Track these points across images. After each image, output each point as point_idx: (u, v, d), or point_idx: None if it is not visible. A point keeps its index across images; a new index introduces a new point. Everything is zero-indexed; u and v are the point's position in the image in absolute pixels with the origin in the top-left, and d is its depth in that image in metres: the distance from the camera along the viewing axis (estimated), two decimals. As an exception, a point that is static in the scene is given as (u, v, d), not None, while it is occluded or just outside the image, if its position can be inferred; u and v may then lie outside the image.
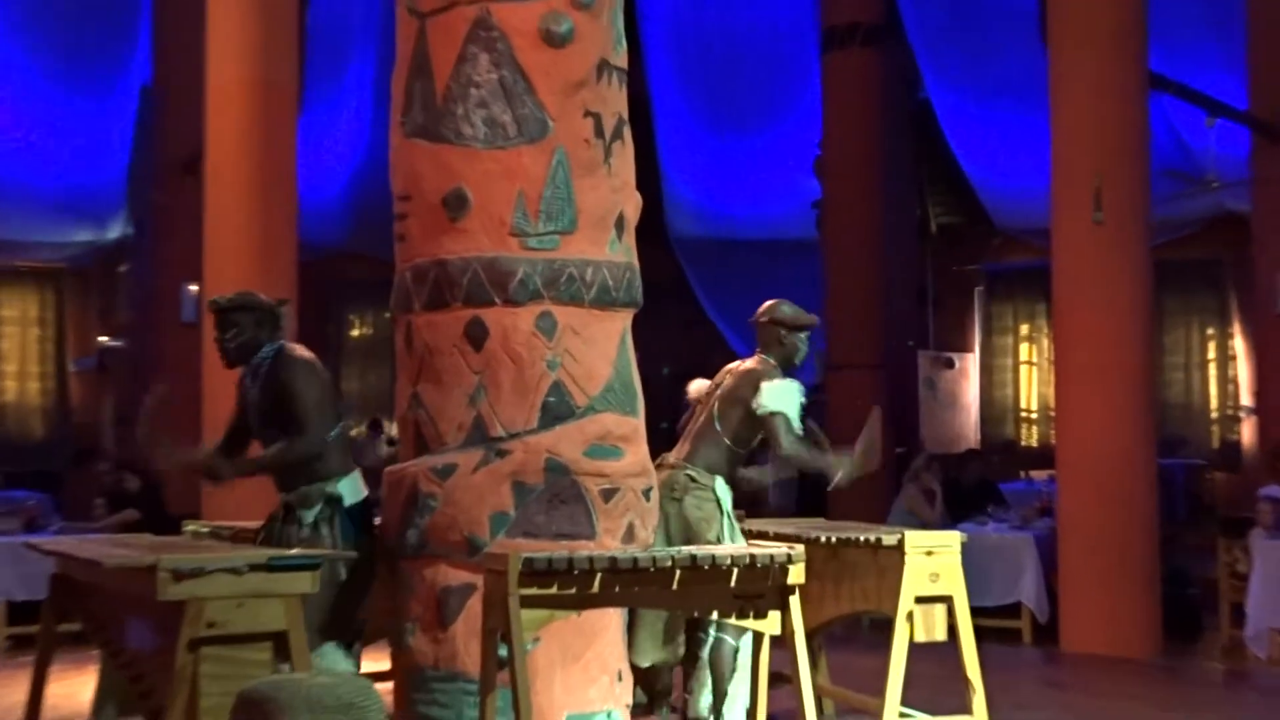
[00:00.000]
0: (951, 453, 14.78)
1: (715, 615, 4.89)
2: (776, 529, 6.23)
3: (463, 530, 5.03)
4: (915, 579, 5.54)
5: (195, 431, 9.71)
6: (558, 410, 5.08)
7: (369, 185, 15.27)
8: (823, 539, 5.95)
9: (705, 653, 6.09)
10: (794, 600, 4.73)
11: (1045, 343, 16.79)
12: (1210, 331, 16.44)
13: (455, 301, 5.10)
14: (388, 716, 3.64)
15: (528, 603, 4.40)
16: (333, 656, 5.15)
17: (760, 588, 4.70)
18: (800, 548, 4.77)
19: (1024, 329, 17.58)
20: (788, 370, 6.23)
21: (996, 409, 17.58)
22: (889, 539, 5.64)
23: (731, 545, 5.73)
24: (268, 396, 5.39)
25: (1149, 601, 9.15)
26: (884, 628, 5.74)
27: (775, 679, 5.43)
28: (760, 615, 4.74)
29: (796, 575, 4.72)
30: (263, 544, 5.28)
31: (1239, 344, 15.88)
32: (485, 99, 5.09)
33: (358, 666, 5.32)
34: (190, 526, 6.65)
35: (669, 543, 5.87)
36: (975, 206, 16.67)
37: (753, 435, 6.13)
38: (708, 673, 6.11)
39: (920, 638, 5.56)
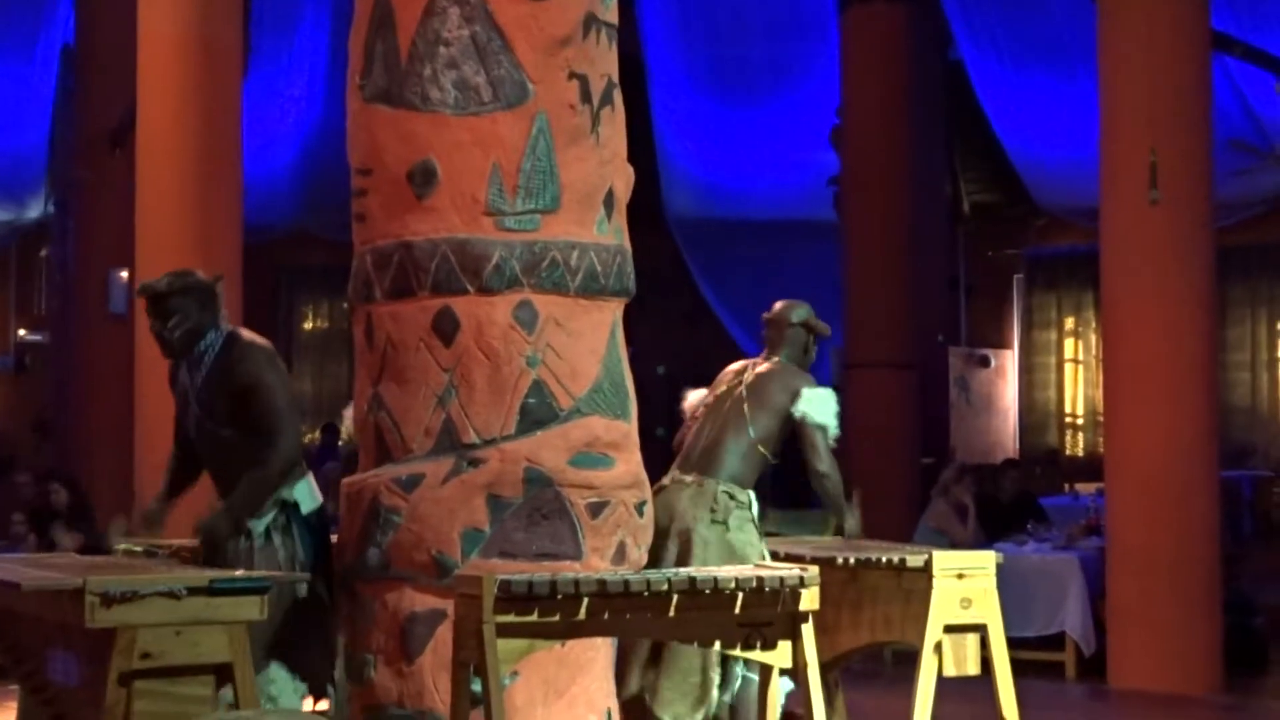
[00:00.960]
0: (987, 463, 14.79)
1: (718, 646, 4.91)
2: (788, 548, 6.26)
3: (430, 549, 5.04)
4: (944, 605, 5.57)
5: (126, 440, 9.73)
6: (538, 413, 5.09)
7: (323, 157, 15.28)
8: (840, 560, 5.97)
9: (728, 697, 6.08)
10: (807, 629, 4.75)
11: (1093, 338, 16.81)
12: (1280, 326, 16.49)
13: (422, 290, 5.11)
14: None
15: (505, 631, 4.42)
16: (280, 679, 5.14)
17: (769, 615, 4.73)
18: (814, 569, 4.79)
19: (1069, 323, 17.60)
20: None
21: (1038, 414, 17.60)
22: (915, 560, 5.66)
23: (736, 567, 5.74)
24: (219, 393, 5.32)
25: (1209, 632, 9.17)
26: (909, 661, 5.76)
27: (785, 719, 5.45)
28: (769, 646, 4.76)
29: (810, 601, 4.74)
30: (205, 563, 5.27)
31: (1313, 340, 15.93)
32: (456, 58, 5.10)
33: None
34: (122, 544, 6.65)
35: None
36: (1014, 183, 16.68)
37: (782, 445, 6.23)
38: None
39: (950, 672, 5.59)
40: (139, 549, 6.36)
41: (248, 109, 10.83)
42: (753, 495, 6.19)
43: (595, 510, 5.11)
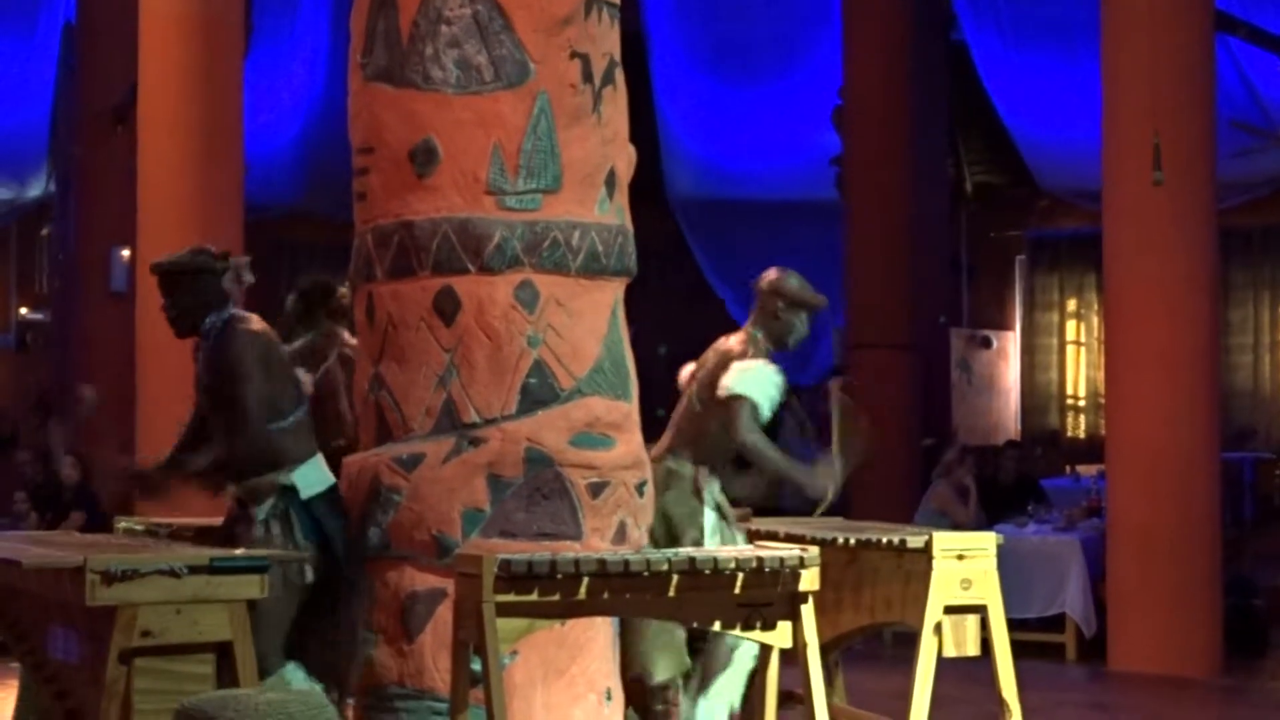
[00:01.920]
0: (988, 444, 14.81)
1: (718, 626, 4.91)
2: (788, 529, 6.26)
3: (431, 529, 5.05)
4: (945, 586, 5.57)
5: (129, 417, 9.74)
6: (539, 393, 5.10)
7: (325, 135, 15.24)
8: (840, 540, 5.97)
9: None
10: (807, 609, 4.75)
11: (1095, 320, 16.81)
12: (1283, 308, 16.47)
13: (423, 269, 5.11)
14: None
15: (504, 611, 4.42)
16: (297, 680, 5.11)
17: (769, 595, 4.73)
18: (814, 550, 4.79)
19: (1071, 304, 17.60)
20: (779, 349, 6.20)
21: (1039, 395, 17.61)
22: (915, 541, 5.67)
23: (736, 547, 5.75)
24: (211, 374, 5.35)
25: (1209, 614, 9.19)
26: (909, 642, 5.77)
27: (785, 699, 5.45)
28: (769, 626, 4.76)
29: (810, 581, 4.74)
30: (219, 545, 5.26)
31: (1315, 322, 15.93)
32: (457, 37, 5.10)
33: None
34: (123, 523, 6.67)
35: (653, 545, 5.89)
36: (1017, 164, 16.67)
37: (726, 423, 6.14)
38: (698, 670, 6.10)
39: (950, 653, 5.60)
40: (140, 528, 6.39)
41: (249, 87, 10.82)
42: (704, 470, 6.10)
43: (596, 490, 5.12)
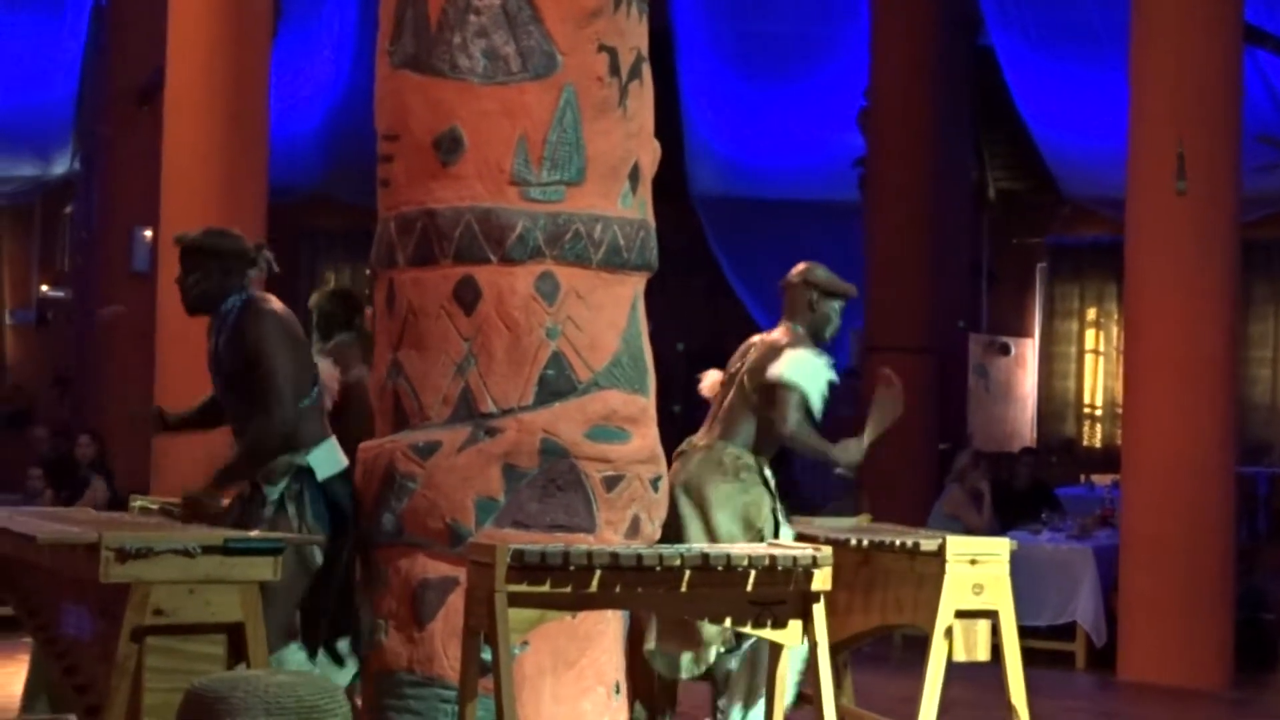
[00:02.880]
0: (1003, 451, 14.77)
1: (729, 623, 4.91)
2: (801, 529, 6.27)
3: (444, 517, 5.06)
4: (956, 590, 5.56)
5: (146, 397, 9.76)
6: (557, 385, 5.11)
7: (349, 121, 15.23)
8: (853, 542, 5.97)
9: (743, 651, 6.06)
10: (818, 609, 4.75)
11: (1115, 329, 16.76)
12: (1303, 322, 16.42)
13: (444, 257, 5.12)
14: (354, 722, 3.68)
15: (516, 601, 4.43)
16: (296, 662, 5.13)
17: (780, 593, 4.73)
18: (827, 550, 4.79)
19: (1091, 313, 17.55)
20: (817, 343, 6.23)
21: (1056, 403, 17.57)
22: (928, 544, 5.66)
23: (749, 545, 5.75)
24: (233, 355, 5.32)
25: (1220, 626, 9.17)
26: (919, 645, 5.77)
27: (795, 699, 5.46)
28: (779, 625, 4.77)
29: (822, 581, 4.74)
30: (231, 526, 5.27)
31: (1336, 338, 15.87)
32: (485, 27, 5.10)
33: (349, 671, 5.30)
34: (138, 502, 6.70)
35: (717, 529, 5.90)
36: (1040, 171, 16.63)
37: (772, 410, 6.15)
38: (745, 678, 6.09)
39: (960, 657, 5.59)
40: (155, 506, 6.41)
41: (275, 70, 10.84)
42: (763, 460, 6.15)
43: (610, 484, 5.12)
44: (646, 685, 6.17)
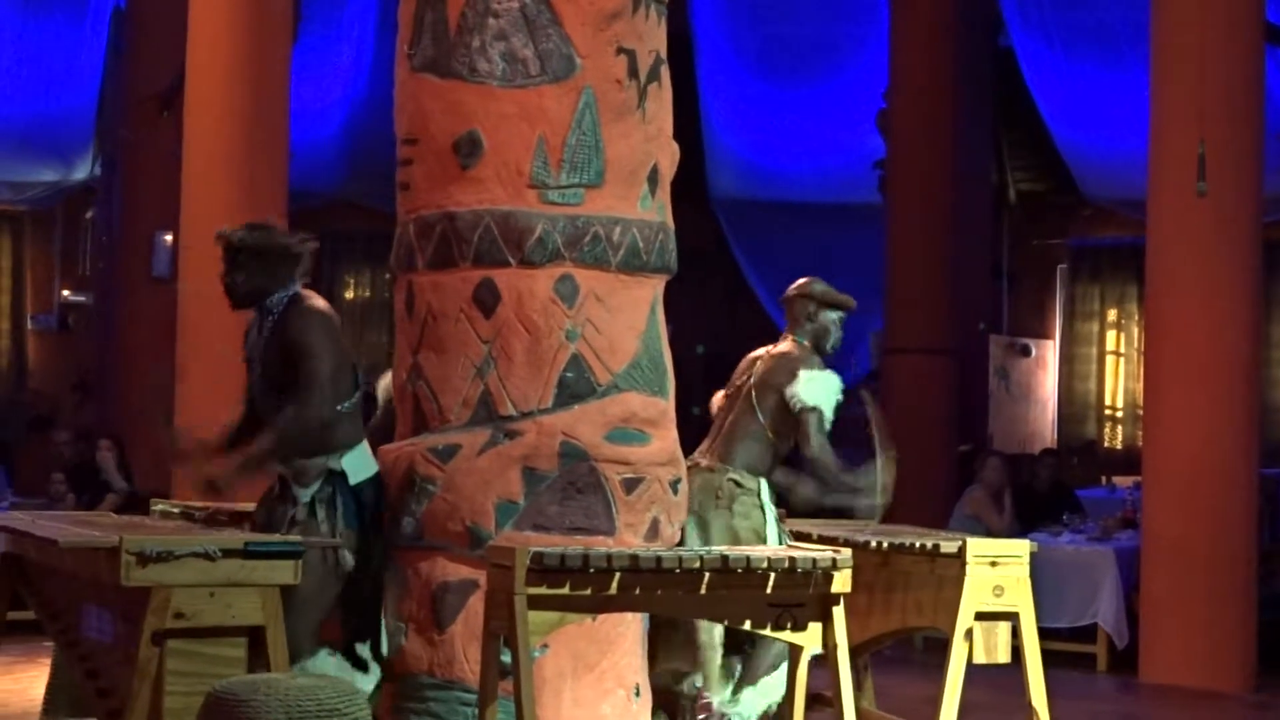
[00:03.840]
0: (1024, 453, 14.73)
1: (748, 626, 4.91)
2: (821, 531, 6.26)
3: (464, 520, 5.07)
4: (977, 592, 5.56)
5: (167, 403, 9.79)
6: (576, 387, 5.11)
7: (370, 125, 15.26)
8: (873, 544, 5.97)
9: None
10: (838, 611, 4.75)
11: (1136, 331, 16.71)
12: (1326, 324, 16.34)
13: (464, 260, 5.13)
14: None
15: (536, 603, 4.43)
16: (326, 668, 5.08)
17: (800, 595, 4.73)
18: (847, 552, 4.79)
19: (1112, 314, 17.50)
20: (820, 356, 6.21)
21: (1077, 405, 17.51)
22: (948, 545, 5.65)
23: (768, 547, 5.74)
24: (275, 352, 5.24)
25: (1243, 629, 9.13)
26: (939, 648, 5.76)
27: (814, 701, 5.45)
28: (799, 627, 4.77)
29: (842, 583, 4.74)
30: (259, 527, 5.25)
31: (1359, 339, 15.79)
32: (504, 30, 5.11)
33: (373, 677, 5.29)
34: (159, 506, 6.71)
35: None
36: (1061, 172, 16.58)
37: (791, 429, 6.13)
38: (739, 665, 6.09)
39: (980, 659, 5.58)
40: (176, 510, 6.42)
41: (296, 75, 10.85)
42: (763, 482, 6.13)
43: (630, 486, 5.12)
44: (667, 690, 6.17)
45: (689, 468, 6.06)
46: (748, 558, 4.64)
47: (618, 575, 4.51)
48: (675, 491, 5.29)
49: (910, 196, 14.16)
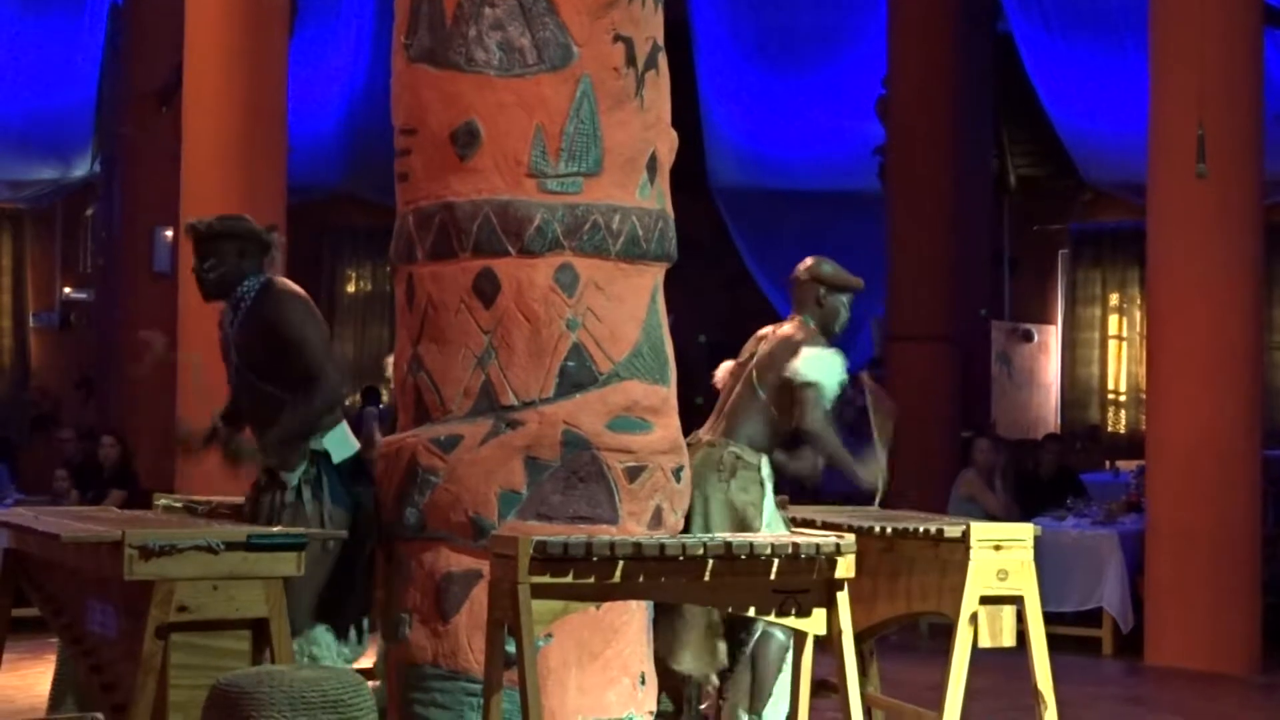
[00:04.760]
0: (1028, 438, 14.74)
1: (753, 612, 4.90)
2: (825, 516, 6.25)
3: (467, 510, 5.06)
4: (981, 576, 5.54)
5: (169, 398, 9.80)
6: (577, 376, 5.11)
7: (368, 118, 15.29)
8: (876, 529, 5.96)
9: (748, 650, 6.09)
10: (842, 597, 4.74)
11: (1138, 315, 16.73)
12: (1327, 305, 16.34)
13: (463, 250, 5.12)
14: (380, 716, 3.68)
15: (540, 593, 4.43)
16: (324, 642, 5.17)
17: (804, 581, 4.72)
18: (850, 538, 4.78)
19: (1114, 299, 17.51)
20: (827, 337, 6.22)
21: (1080, 389, 17.54)
22: (952, 530, 5.64)
23: (772, 533, 5.74)
24: (251, 338, 5.30)
25: (1247, 611, 9.14)
26: (944, 632, 5.75)
27: (819, 687, 5.45)
28: (803, 613, 4.76)
29: (846, 569, 4.73)
30: (248, 517, 5.30)
31: (1361, 320, 15.79)
32: (501, 19, 5.10)
33: (360, 649, 5.34)
34: (162, 500, 6.71)
35: (714, 531, 5.88)
36: (1061, 157, 16.60)
37: (792, 406, 6.13)
38: (748, 675, 6.11)
39: (985, 643, 5.57)
40: (179, 504, 6.43)
41: (293, 69, 10.86)
42: (764, 459, 6.13)
43: (632, 474, 5.12)
44: (673, 678, 6.16)
45: (691, 444, 6.08)
46: (751, 544, 4.63)
47: (621, 564, 4.50)
48: (678, 479, 5.29)
49: (910, 183, 14.15)
